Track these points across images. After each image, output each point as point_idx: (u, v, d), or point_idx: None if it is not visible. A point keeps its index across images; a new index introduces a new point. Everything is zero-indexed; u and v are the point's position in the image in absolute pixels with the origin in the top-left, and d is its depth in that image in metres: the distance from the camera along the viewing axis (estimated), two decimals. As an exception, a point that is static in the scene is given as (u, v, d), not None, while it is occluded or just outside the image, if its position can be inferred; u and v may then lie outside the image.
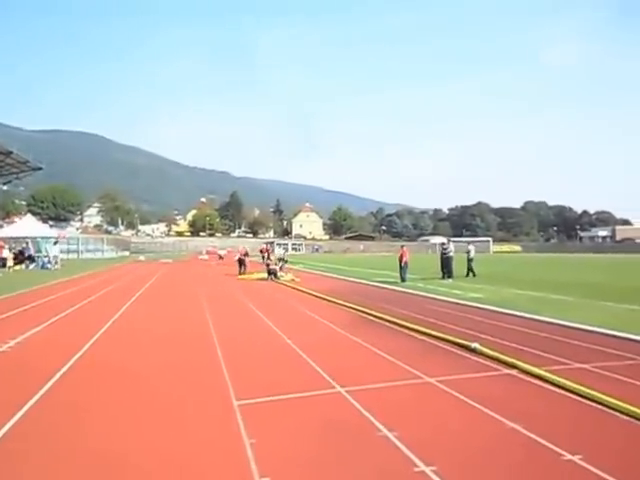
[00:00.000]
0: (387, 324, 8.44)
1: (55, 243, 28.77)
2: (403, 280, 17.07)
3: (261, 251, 36.38)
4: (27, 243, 30.82)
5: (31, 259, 28.64)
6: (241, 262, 22.66)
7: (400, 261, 17.52)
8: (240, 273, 21.89)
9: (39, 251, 30.10)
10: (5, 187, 50.70)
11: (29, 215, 45.31)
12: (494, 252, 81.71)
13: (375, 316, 9.20)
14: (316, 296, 12.94)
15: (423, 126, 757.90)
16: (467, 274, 19.12)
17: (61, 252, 36.14)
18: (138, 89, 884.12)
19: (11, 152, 36.70)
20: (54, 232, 39.58)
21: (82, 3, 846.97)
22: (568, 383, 4.51)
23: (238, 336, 7.56)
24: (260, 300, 12.41)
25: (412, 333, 7.58)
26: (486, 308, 10.42)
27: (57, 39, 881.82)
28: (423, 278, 18.69)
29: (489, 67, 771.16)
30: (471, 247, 20.03)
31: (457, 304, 11.29)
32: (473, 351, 6.19)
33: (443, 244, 19.38)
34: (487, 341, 6.72)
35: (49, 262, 26.74)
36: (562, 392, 4.43)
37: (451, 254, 18.59)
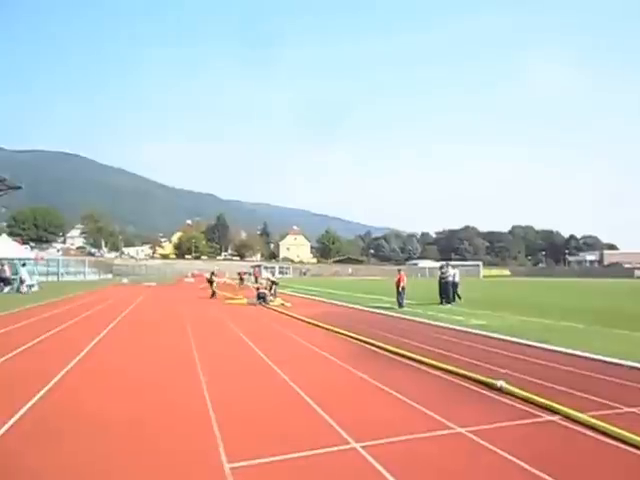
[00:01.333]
0: (393, 356, 7.62)
1: (23, 265, 27.28)
2: (401, 305, 16.27)
3: (239, 274, 35.71)
4: (2, 265, 29.38)
5: (6, 282, 27.18)
6: (211, 282, 23.11)
7: (397, 286, 16.72)
8: (211, 296, 22.11)
9: (15, 273, 28.71)
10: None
11: (4, 235, 43.67)
12: (484, 276, 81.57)
13: (379, 347, 8.36)
14: (310, 323, 12.05)
15: (410, 149, 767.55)
16: (459, 298, 18.41)
17: (39, 274, 34.74)
18: (123, 110, 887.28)
19: (-14, 171, 35.38)
20: (33, 254, 38.12)
21: (61, 24, 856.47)
22: (635, 437, 3.71)
23: (228, 373, 6.63)
24: (250, 328, 11.46)
25: (423, 367, 6.78)
26: (494, 337, 9.71)
27: (41, 59, 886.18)
28: (420, 303, 17.91)
29: (476, 89, 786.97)
30: (455, 271, 19.24)
31: (462, 332, 10.53)
32: (499, 390, 5.41)
33: (442, 268, 18.60)
34: (509, 376, 5.97)
35: (23, 285, 25.43)
36: (626, 447, 3.65)
37: (450, 279, 17.88)
